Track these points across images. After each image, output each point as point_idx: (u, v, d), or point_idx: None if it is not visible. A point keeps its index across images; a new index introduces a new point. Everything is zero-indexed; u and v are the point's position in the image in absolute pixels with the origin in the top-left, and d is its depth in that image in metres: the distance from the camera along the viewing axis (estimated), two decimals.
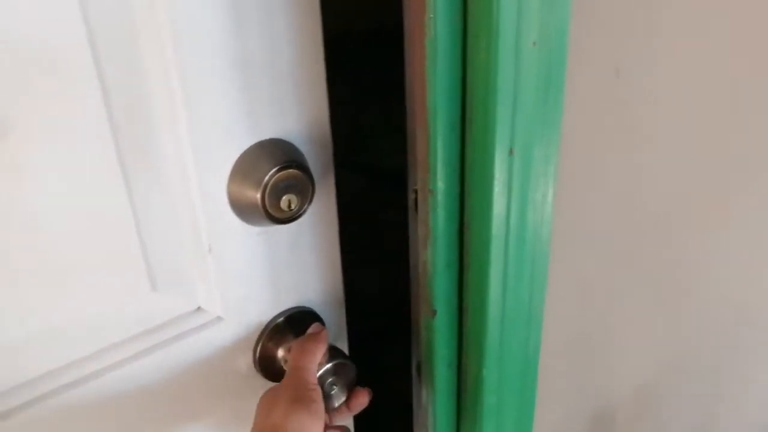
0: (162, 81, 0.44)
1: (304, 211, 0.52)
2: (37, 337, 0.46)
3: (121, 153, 0.44)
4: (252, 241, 0.53)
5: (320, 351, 0.54)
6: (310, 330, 0.56)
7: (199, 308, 0.54)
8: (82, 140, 0.42)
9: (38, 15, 0.38)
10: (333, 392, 0.56)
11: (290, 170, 0.50)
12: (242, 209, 0.51)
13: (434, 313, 0.55)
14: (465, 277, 0.53)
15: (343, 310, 0.64)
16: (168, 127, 0.45)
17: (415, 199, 0.53)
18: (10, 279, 0.43)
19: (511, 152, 0.45)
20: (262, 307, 0.57)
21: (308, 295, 0.60)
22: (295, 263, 0.57)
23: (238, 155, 0.49)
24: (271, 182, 0.49)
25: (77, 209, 0.44)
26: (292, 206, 0.51)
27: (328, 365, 0.55)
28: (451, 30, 0.42)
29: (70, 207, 0.44)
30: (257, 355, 0.58)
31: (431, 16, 0.41)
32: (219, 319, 0.55)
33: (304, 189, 0.51)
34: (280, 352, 0.58)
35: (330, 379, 0.56)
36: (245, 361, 0.58)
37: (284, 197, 0.50)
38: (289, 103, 0.50)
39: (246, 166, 0.50)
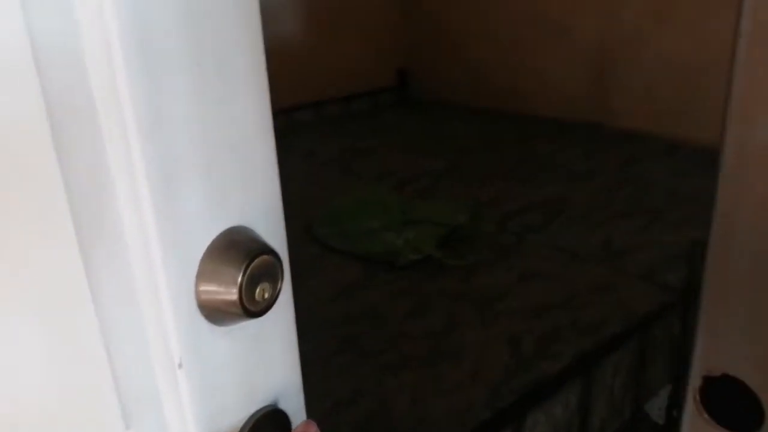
0: (127, 183, 0.38)
1: (276, 298, 0.49)
2: None
3: (89, 271, 0.37)
4: (220, 344, 0.48)
5: None
6: (302, 428, 0.51)
7: None
8: (48, 264, 0.35)
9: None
10: None
11: (263, 257, 0.46)
12: (213, 309, 0.46)
13: None
14: None
15: (302, 398, 0.59)
16: (136, 231, 0.40)
17: (701, 388, 0.44)
18: None
19: None
20: (234, 415, 0.51)
21: (275, 389, 0.55)
22: (260, 358, 0.52)
23: (204, 250, 0.45)
24: (248, 275, 0.45)
25: (44, 349, 0.36)
26: (266, 295, 0.47)
27: None
28: None
29: (36, 347, 0.35)
30: None
31: None
32: None
33: (275, 274, 0.48)
34: None
35: None
36: None
37: (258, 288, 0.46)
38: (243, 187, 0.47)
39: (214, 261, 0.45)
